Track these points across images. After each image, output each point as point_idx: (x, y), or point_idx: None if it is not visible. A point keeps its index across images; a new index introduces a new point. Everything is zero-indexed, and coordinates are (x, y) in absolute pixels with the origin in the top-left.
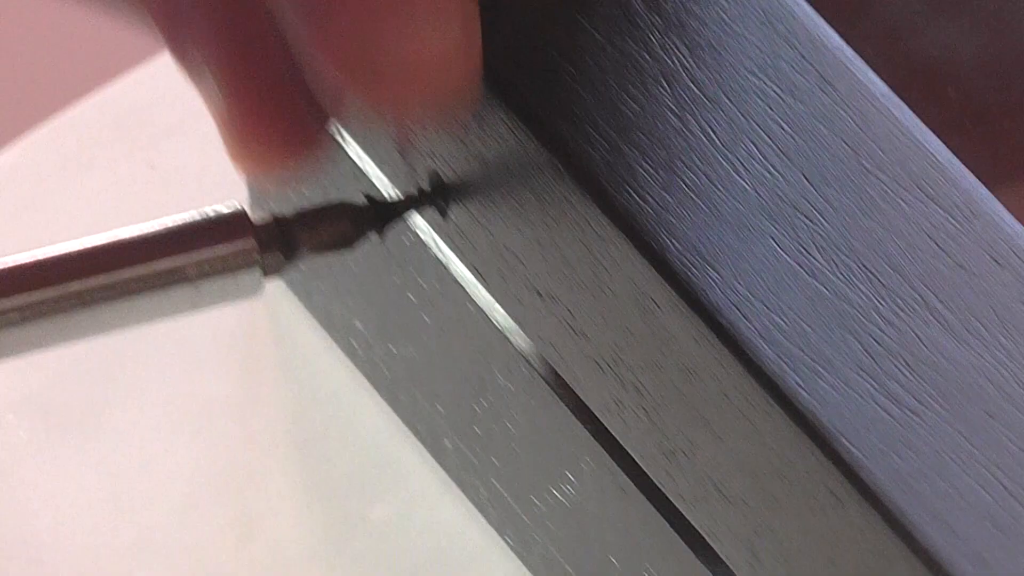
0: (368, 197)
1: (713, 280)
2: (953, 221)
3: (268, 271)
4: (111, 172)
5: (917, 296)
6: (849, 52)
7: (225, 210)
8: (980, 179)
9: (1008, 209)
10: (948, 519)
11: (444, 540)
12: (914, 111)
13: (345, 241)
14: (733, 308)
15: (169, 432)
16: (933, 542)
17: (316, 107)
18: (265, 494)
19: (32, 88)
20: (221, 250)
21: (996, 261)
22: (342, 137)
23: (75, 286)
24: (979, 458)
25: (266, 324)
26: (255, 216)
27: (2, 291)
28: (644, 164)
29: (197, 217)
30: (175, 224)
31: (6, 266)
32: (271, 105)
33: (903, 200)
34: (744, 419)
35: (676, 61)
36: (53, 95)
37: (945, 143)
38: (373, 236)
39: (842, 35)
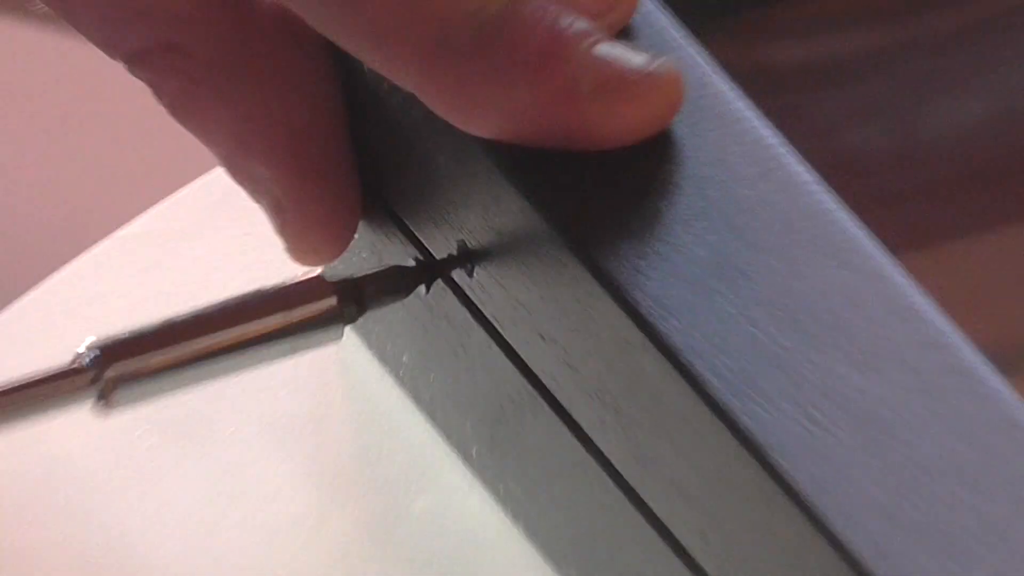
0: (417, 260)
1: (674, 327)
2: (863, 283)
3: (347, 321)
4: (217, 237)
5: (833, 341)
6: (786, 148)
7: (312, 275)
8: (887, 248)
9: (909, 273)
10: (852, 514)
11: (471, 527)
12: (837, 195)
13: (401, 294)
14: (690, 350)
15: (258, 442)
16: (841, 531)
17: (353, 201)
18: (332, 491)
19: (153, 170)
20: (312, 309)
21: (896, 314)
22: (393, 215)
23: (198, 344)
24: (876, 466)
25: (335, 360)
26: (334, 278)
27: (139, 351)
28: (622, 236)
29: (290, 282)
30: (273, 289)
31: (152, 326)
32: (319, 223)
33: (824, 266)
34: (698, 436)
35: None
36: (170, 177)
37: (860, 220)
38: (421, 290)
39: (782, 134)
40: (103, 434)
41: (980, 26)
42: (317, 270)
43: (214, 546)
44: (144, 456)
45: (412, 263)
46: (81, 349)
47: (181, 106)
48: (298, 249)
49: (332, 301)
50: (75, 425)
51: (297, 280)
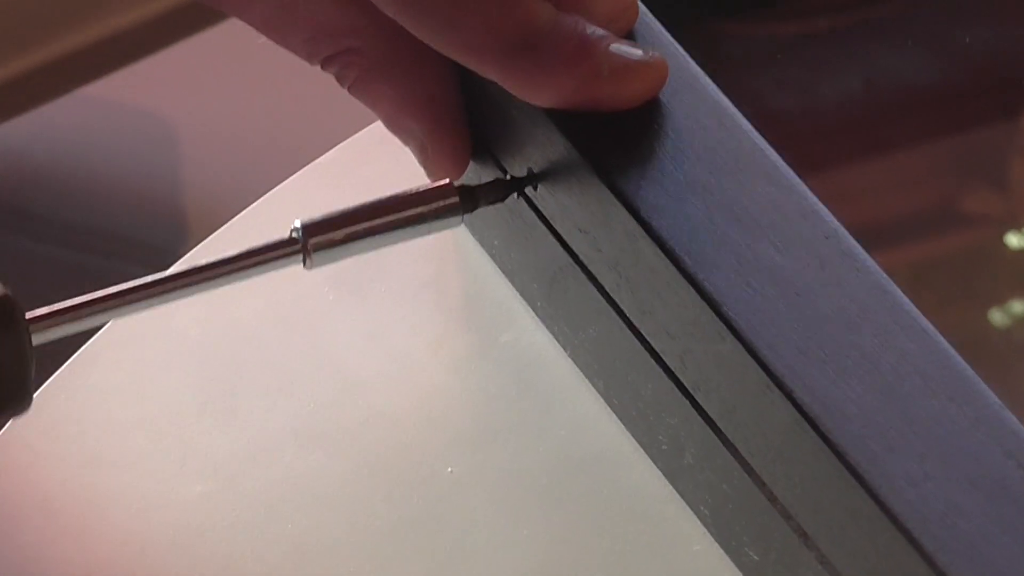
0: (512, 177)
1: (662, 224)
2: (784, 196)
3: (464, 213)
4: (380, 165)
5: (763, 233)
6: (734, 108)
7: (443, 182)
8: (797, 172)
9: (811, 188)
10: (775, 347)
11: (537, 353)
12: (765, 137)
13: (501, 198)
14: (671, 239)
15: (399, 294)
16: (766, 358)
17: (467, 142)
18: (445, 326)
19: (336, 120)
20: (442, 204)
21: (804, 215)
22: (489, 151)
23: (374, 222)
24: (791, 316)
25: (451, 242)
26: (457, 185)
27: (338, 225)
28: (629, 165)
29: (429, 186)
30: (420, 190)
31: (340, 212)
32: (449, 159)
33: (758, 184)
34: (676, 295)
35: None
36: (348, 126)
37: (780, 154)
38: (516, 195)
39: (730, 98)
40: (301, 292)
41: (864, 24)
42: (445, 181)
43: (367, 364)
44: (327, 304)
45: (507, 177)
46: (295, 224)
47: (358, 88)
48: (433, 174)
49: (455, 199)
50: (283, 285)
51: (433, 185)
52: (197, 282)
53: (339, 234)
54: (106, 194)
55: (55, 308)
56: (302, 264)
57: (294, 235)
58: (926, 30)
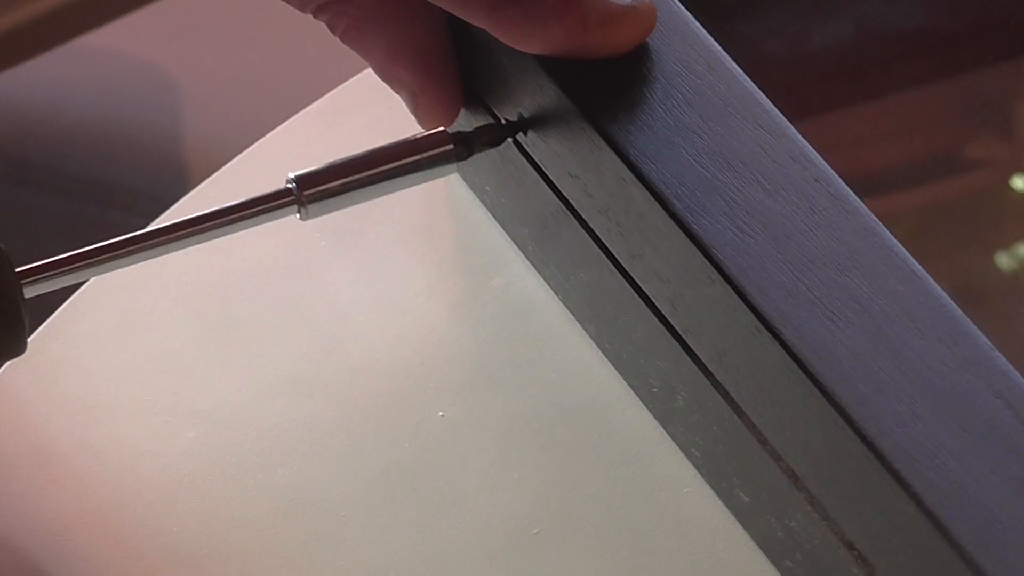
0: (507, 120)
1: (652, 169)
2: (773, 139)
3: (459, 160)
4: (372, 112)
5: (753, 177)
6: (723, 53)
7: (438, 130)
8: (787, 116)
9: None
10: (764, 289)
11: (528, 297)
12: (755, 82)
13: (495, 143)
14: (660, 183)
15: (392, 242)
16: (754, 298)
17: (458, 90)
18: (438, 272)
19: (329, 67)
20: (436, 151)
21: (794, 158)
22: (480, 98)
23: (369, 172)
24: (780, 259)
25: (444, 189)
26: (451, 132)
27: (333, 176)
28: (619, 110)
29: (423, 134)
30: (415, 138)
31: (335, 163)
32: (441, 108)
33: (748, 128)
34: (665, 239)
35: (634, 61)
36: (340, 72)
37: (771, 99)
38: (510, 141)
39: (720, 45)
40: (293, 239)
41: None
42: (439, 128)
43: (359, 311)
44: (319, 251)
45: (501, 122)
46: (289, 176)
47: (349, 37)
48: (425, 122)
49: (449, 146)
50: (276, 232)
51: (428, 133)
52: (191, 235)
53: (334, 185)
54: (104, 143)
55: (46, 262)
56: (297, 215)
57: (289, 186)
58: None
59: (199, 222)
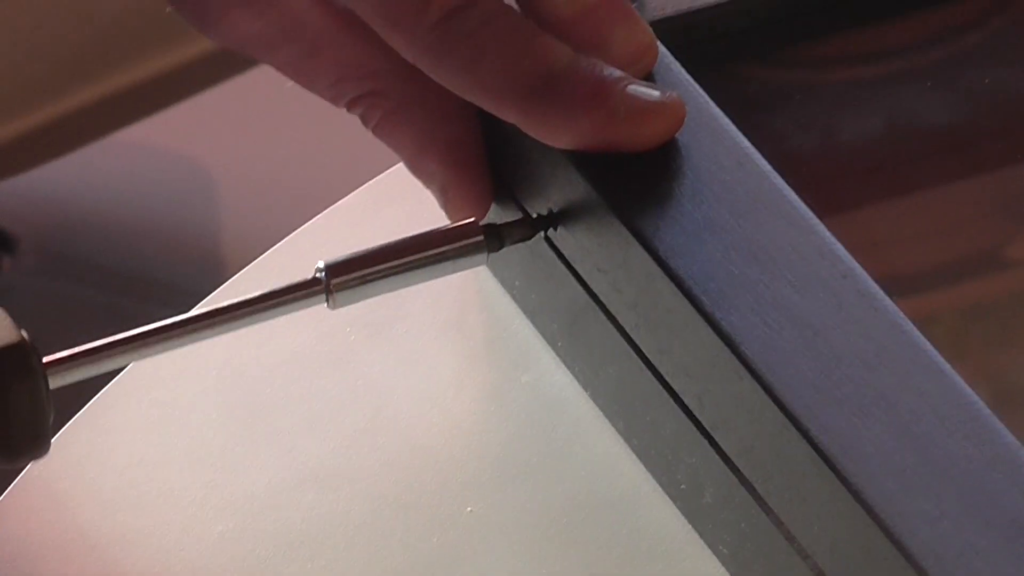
0: (539, 215)
1: (680, 264)
2: (801, 235)
3: (490, 252)
4: (403, 207)
5: (781, 273)
6: (752, 149)
7: (468, 220)
8: (816, 213)
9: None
10: (792, 385)
11: (557, 393)
12: (783, 178)
13: (527, 236)
14: (689, 279)
15: (422, 335)
16: (782, 397)
17: (488, 184)
18: (468, 366)
19: (360, 162)
20: (467, 242)
21: (822, 255)
22: (511, 192)
23: (398, 262)
24: (808, 355)
25: (473, 282)
26: (482, 224)
27: (362, 265)
28: (648, 206)
29: (454, 224)
30: (445, 228)
31: (364, 251)
32: (470, 202)
33: (777, 225)
34: (695, 334)
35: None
36: (371, 167)
37: (799, 196)
38: (541, 236)
39: (749, 140)
40: (323, 332)
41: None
42: (470, 219)
43: (389, 404)
44: (349, 344)
45: (532, 216)
46: (319, 265)
47: (381, 130)
48: (454, 216)
49: (480, 237)
50: (306, 325)
51: (458, 224)
52: (220, 323)
53: (363, 273)
54: (141, 236)
55: (73, 352)
56: (326, 304)
57: (318, 275)
58: (945, 72)
59: (227, 312)
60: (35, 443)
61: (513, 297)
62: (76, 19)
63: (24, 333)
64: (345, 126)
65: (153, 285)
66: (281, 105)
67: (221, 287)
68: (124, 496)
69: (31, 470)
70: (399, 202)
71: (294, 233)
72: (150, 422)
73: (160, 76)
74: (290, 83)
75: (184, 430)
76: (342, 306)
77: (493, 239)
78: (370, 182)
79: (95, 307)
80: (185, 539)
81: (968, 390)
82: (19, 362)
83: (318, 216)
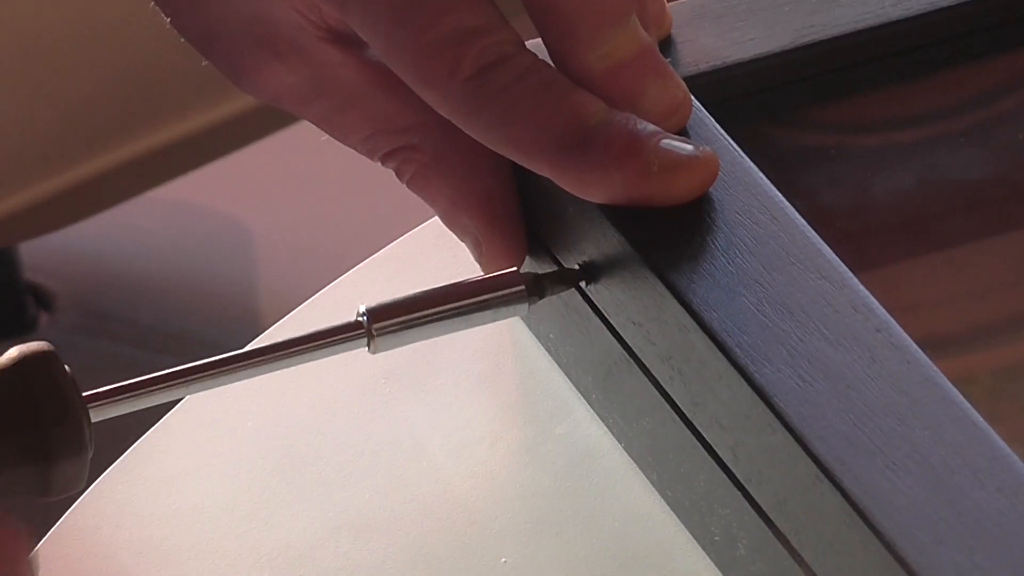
0: (580, 264)
1: (714, 317)
2: (835, 289)
3: (531, 302)
4: (439, 258)
5: (814, 326)
6: (786, 203)
7: (510, 270)
8: (850, 268)
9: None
10: (826, 438)
11: (591, 445)
12: (818, 232)
13: (567, 286)
14: (723, 332)
15: (456, 385)
16: (817, 450)
17: (522, 237)
18: (503, 418)
19: (396, 215)
20: (508, 291)
21: (856, 308)
22: (544, 245)
23: (440, 308)
24: (841, 408)
25: (508, 334)
26: (523, 273)
27: (404, 311)
28: (682, 259)
29: (494, 274)
30: (487, 277)
31: (406, 297)
32: (504, 256)
33: (810, 279)
34: (728, 388)
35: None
36: (407, 220)
37: (833, 251)
38: (585, 284)
39: (783, 195)
40: (358, 383)
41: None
42: (512, 268)
43: (423, 455)
44: (384, 396)
45: (575, 267)
46: (360, 309)
47: (415, 183)
48: (488, 270)
49: (521, 287)
50: (341, 376)
51: (500, 273)
52: (260, 363)
53: (404, 319)
54: (177, 294)
55: (112, 387)
56: (367, 348)
57: (359, 319)
58: (980, 129)
59: (267, 352)
60: (75, 482)
61: (547, 350)
62: (114, 76)
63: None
64: (381, 181)
65: (190, 342)
66: (316, 162)
67: (259, 336)
68: (160, 546)
69: (69, 517)
70: (434, 254)
71: (330, 285)
72: (187, 472)
73: (195, 135)
74: (325, 137)
75: (220, 480)
76: (382, 351)
77: (534, 288)
78: (405, 235)
79: (132, 364)
80: None
81: (1001, 443)
82: (62, 403)
83: (354, 268)
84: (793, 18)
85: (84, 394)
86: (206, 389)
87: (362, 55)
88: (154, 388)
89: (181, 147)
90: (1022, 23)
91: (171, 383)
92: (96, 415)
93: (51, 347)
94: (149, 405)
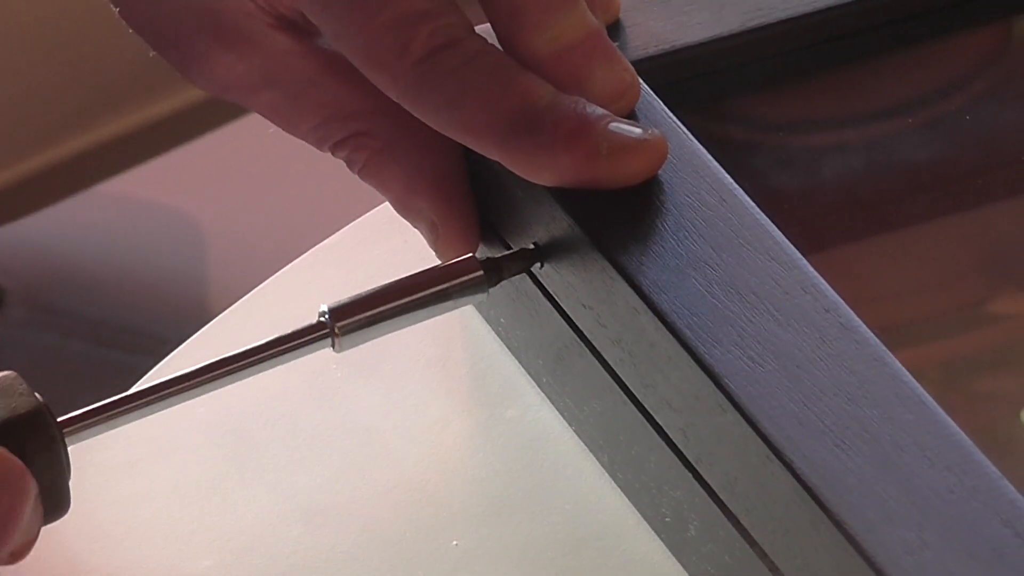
0: (535, 245)
1: (664, 299)
2: (783, 271)
3: (490, 286)
4: (389, 244)
5: (763, 307)
6: (735, 185)
7: (466, 256)
8: (799, 249)
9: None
10: (775, 418)
11: (542, 429)
12: (766, 214)
13: (524, 268)
14: (672, 314)
15: (409, 372)
16: (766, 430)
17: (475, 222)
18: (454, 402)
19: (343, 202)
20: (466, 278)
21: (804, 289)
22: (495, 230)
23: (401, 301)
24: (791, 388)
25: (458, 321)
26: (480, 258)
27: (366, 307)
28: (631, 241)
29: (451, 262)
30: (444, 265)
31: (367, 293)
32: (460, 238)
33: (759, 260)
34: (678, 369)
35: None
36: (356, 207)
37: (782, 232)
38: (537, 267)
39: (732, 176)
40: (309, 371)
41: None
42: (468, 255)
43: (374, 441)
44: (335, 383)
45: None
46: (322, 309)
47: (368, 171)
48: (444, 254)
49: (479, 272)
50: (293, 363)
51: (457, 260)
52: (228, 373)
53: (367, 315)
54: (127, 288)
55: (85, 411)
56: (331, 348)
57: (322, 319)
58: (927, 110)
59: (234, 361)
60: (59, 507)
61: (498, 334)
62: (60, 70)
63: (39, 397)
64: (328, 174)
65: (139, 336)
66: (263, 155)
67: (207, 325)
68: (113, 531)
69: None
70: (384, 240)
71: (280, 272)
72: (139, 458)
73: (143, 128)
74: (273, 129)
75: (172, 466)
76: (348, 349)
77: (492, 273)
78: (348, 225)
79: (82, 358)
80: (172, 574)
81: (950, 421)
82: (41, 431)
83: (299, 258)
84: (741, 1)
85: (59, 419)
86: (178, 404)
87: (312, 43)
88: (127, 408)
89: (128, 141)
90: (974, 2)
91: (143, 401)
92: (71, 441)
93: (41, 404)
94: (125, 424)
